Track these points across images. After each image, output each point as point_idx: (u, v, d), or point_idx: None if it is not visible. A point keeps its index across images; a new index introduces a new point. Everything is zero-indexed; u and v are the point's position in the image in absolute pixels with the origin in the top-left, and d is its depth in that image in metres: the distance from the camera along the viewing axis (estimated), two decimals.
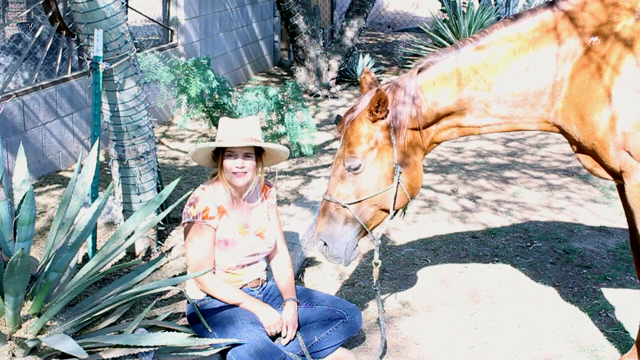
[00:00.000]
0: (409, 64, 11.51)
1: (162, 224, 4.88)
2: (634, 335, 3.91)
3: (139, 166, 4.45)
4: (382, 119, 3.25)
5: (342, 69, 10.35)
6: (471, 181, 6.52)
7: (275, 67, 11.78)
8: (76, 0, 3.99)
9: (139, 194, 4.50)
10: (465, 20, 11.20)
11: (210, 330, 3.33)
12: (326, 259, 3.44)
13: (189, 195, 3.51)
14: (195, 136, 7.59)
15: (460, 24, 11.19)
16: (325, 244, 3.38)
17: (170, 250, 4.65)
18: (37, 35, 6.02)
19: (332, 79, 9.98)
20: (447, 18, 11.68)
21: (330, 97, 9.77)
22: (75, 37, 6.23)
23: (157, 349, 3.16)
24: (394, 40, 14.55)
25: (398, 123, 3.23)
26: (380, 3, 17.98)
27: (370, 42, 14.69)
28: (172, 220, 5.03)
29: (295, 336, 3.49)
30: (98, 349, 3.17)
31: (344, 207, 3.31)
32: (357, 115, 3.29)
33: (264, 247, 3.57)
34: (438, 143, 3.44)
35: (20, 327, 3.10)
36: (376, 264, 3.54)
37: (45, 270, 3.25)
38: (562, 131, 3.27)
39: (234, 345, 3.19)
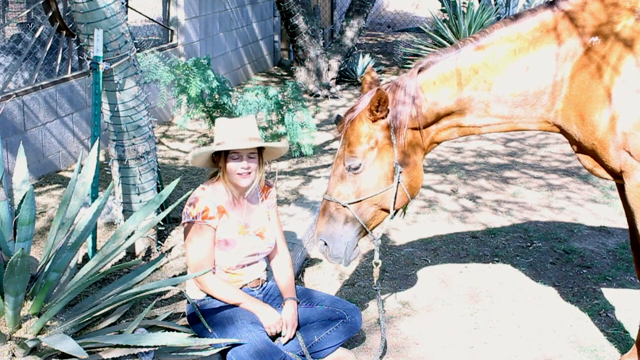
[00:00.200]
0: (409, 64, 11.50)
1: (162, 224, 4.88)
2: (634, 335, 3.91)
3: (139, 166, 4.46)
4: (382, 118, 3.25)
5: (342, 69, 10.35)
6: (471, 181, 6.52)
7: (275, 67, 11.78)
8: (76, 0, 3.99)
9: (139, 194, 4.50)
10: (465, 20, 11.20)
11: (210, 330, 3.33)
12: (326, 258, 3.44)
13: (189, 195, 3.50)
14: (195, 136, 7.58)
15: (460, 24, 11.19)
16: (325, 243, 3.38)
17: (170, 250, 4.65)
18: (37, 35, 6.02)
19: (332, 79, 9.97)
20: (447, 18, 11.69)
21: (330, 97, 9.76)
22: (75, 37, 6.23)
23: (157, 349, 3.16)
24: (394, 40, 14.55)
25: (398, 123, 3.23)
26: (380, 3, 17.98)
27: (370, 42, 14.69)
28: (172, 220, 5.03)
29: (295, 336, 3.49)
30: (98, 349, 3.17)
31: (344, 206, 3.31)
32: (357, 114, 3.29)
33: (264, 247, 3.57)
34: (438, 143, 3.44)
35: (20, 327, 3.10)
36: (376, 264, 3.54)
37: (45, 270, 3.25)
38: (563, 131, 3.27)
39: (234, 345, 3.19)
